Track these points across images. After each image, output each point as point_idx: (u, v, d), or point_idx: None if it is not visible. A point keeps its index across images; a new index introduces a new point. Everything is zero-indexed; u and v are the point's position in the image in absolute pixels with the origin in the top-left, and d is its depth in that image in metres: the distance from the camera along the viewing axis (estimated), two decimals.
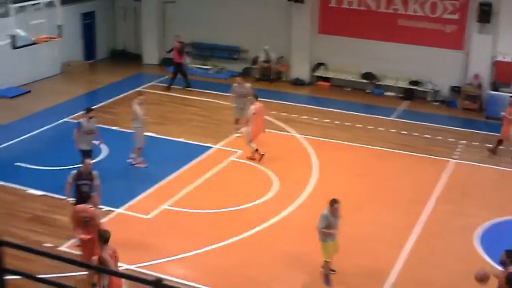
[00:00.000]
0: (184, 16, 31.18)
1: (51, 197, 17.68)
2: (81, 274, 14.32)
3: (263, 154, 20.66)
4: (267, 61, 29.36)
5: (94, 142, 18.84)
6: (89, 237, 13.86)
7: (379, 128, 23.89)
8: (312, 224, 14.39)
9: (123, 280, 12.40)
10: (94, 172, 15.46)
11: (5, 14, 22.27)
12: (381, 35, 27.88)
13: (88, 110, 18.66)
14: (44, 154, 20.94)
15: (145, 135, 20.27)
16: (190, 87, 27.66)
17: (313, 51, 29.13)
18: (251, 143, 20.84)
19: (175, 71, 27.83)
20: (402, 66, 27.73)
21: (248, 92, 22.22)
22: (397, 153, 21.76)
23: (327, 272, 14.38)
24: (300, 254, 15.39)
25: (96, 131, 18.70)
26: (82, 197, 14.89)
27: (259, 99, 21.25)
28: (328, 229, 14.03)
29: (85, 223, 13.86)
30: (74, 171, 15.41)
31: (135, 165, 20.10)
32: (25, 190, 18.33)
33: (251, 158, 20.81)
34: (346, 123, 24.25)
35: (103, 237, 12.43)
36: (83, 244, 14.13)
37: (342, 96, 27.75)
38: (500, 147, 21.74)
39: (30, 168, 19.73)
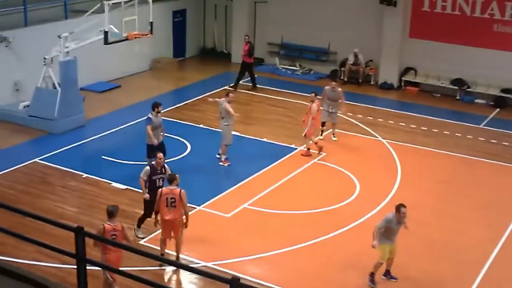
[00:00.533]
0: (274, 16, 31.23)
1: (134, 191, 17.90)
2: (160, 269, 14.53)
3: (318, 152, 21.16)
4: (356, 64, 29.11)
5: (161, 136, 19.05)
6: (172, 218, 14.21)
7: (467, 136, 23.36)
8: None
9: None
10: (166, 166, 15.74)
11: (100, 11, 22.81)
12: (474, 40, 27.28)
13: (156, 105, 18.90)
14: (129, 148, 21.24)
15: (233, 134, 20.44)
16: (236, 88, 27.26)
17: (403, 55, 28.74)
18: (307, 139, 21.08)
19: (248, 70, 27.87)
20: (494, 72, 27.05)
21: (339, 96, 22.12)
22: (484, 162, 21.23)
23: (375, 271, 14.20)
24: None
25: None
26: (157, 191, 15.25)
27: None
28: (386, 233, 13.90)
29: (171, 204, 14.15)
30: (147, 167, 15.68)
31: (220, 164, 20.22)
32: (110, 183, 18.68)
33: (307, 155, 21.10)
34: (433, 130, 23.81)
35: (107, 211, 13.06)
36: (165, 225, 14.44)
37: (431, 102, 27.27)
38: None
39: (115, 161, 20.08)
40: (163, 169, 15.59)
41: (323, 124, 22.32)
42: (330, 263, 15.27)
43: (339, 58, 30.19)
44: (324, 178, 19.80)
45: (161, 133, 18.76)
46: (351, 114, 24.88)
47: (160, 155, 15.70)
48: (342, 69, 29.83)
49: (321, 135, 22.37)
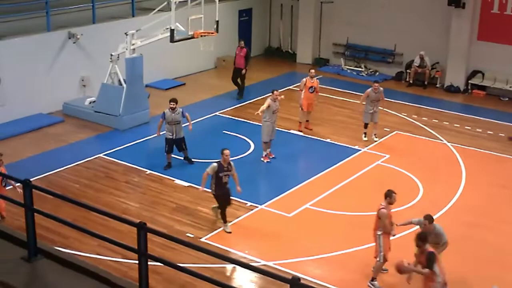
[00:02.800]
0: (340, 17, 31.07)
1: (197, 188, 17.92)
2: (220, 266, 14.56)
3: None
4: (422, 66, 28.72)
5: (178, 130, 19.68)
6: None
7: None
8: (454, 235, 14.08)
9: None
10: (232, 163, 16.00)
11: (166, 9, 22.99)
12: None
13: (172, 100, 19.43)
14: (193, 146, 21.22)
15: (273, 130, 20.44)
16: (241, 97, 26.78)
17: (470, 58, 28.25)
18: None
19: (240, 76, 26.82)
20: None
21: (381, 96, 21.91)
22: None
23: None
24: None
25: (182, 121, 19.62)
26: (224, 187, 15.78)
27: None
28: None
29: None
30: (214, 164, 15.83)
31: (261, 159, 20.34)
32: (173, 180, 18.80)
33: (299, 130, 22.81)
34: (500, 134, 23.36)
35: None
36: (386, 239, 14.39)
37: (498, 106, 26.76)
38: None
39: (179, 159, 20.18)
40: (229, 166, 15.77)
41: (365, 126, 22.14)
42: (389, 266, 15.08)
43: (405, 60, 29.85)
44: (387, 180, 19.51)
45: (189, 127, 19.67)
46: (416, 116, 24.64)
47: (227, 151, 15.86)
48: (408, 71, 29.48)
49: (365, 136, 22.21)
